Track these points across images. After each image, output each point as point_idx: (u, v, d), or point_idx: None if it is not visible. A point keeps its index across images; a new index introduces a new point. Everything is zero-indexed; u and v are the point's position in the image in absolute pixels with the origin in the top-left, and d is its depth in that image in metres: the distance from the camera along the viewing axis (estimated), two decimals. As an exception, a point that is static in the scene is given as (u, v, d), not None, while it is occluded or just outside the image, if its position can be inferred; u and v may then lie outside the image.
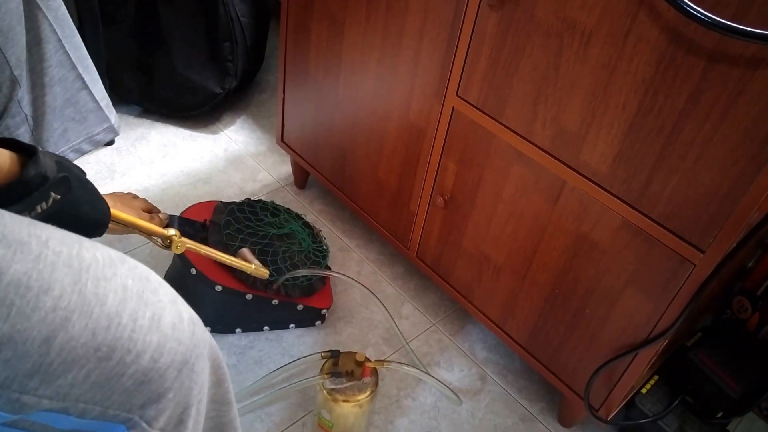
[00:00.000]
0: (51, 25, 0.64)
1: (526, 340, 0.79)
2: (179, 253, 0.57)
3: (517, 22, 0.61)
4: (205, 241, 0.82)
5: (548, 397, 0.86)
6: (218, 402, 0.46)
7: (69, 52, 0.67)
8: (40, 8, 0.63)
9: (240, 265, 0.69)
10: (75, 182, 0.41)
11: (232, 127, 1.26)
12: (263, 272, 0.71)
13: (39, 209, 0.38)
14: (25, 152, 0.39)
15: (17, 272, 0.31)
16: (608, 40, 0.55)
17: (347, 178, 0.97)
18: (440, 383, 0.78)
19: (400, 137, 0.83)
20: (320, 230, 0.96)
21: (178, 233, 0.57)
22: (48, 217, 0.39)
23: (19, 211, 0.37)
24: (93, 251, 0.36)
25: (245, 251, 0.76)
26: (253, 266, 0.68)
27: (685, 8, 0.47)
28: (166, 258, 0.94)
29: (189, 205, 0.89)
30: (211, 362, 0.43)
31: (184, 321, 0.39)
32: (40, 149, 0.39)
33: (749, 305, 0.80)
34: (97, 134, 0.70)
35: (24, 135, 0.67)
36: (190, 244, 0.57)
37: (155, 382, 0.36)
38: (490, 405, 0.84)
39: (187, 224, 0.83)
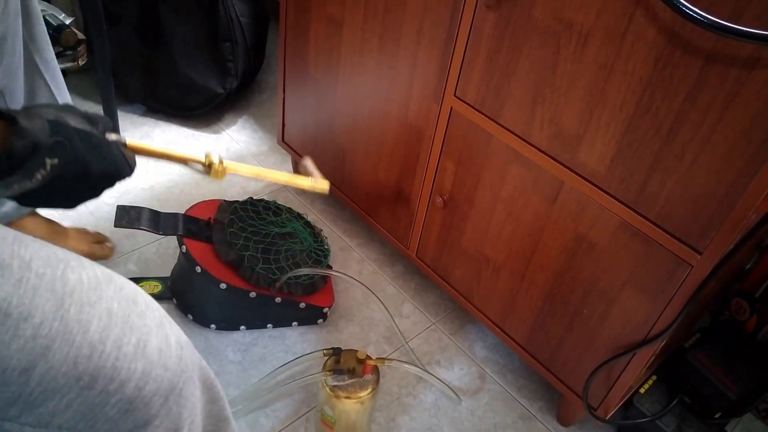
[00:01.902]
0: (45, 79, 0.71)
1: (525, 339, 0.80)
2: (220, 179, 0.50)
3: (514, 22, 0.61)
4: (209, 240, 0.83)
5: (547, 396, 0.86)
6: (215, 418, 0.45)
7: (58, 99, 0.75)
8: (38, 69, 0.69)
9: (288, 181, 0.57)
10: (75, 138, 0.37)
11: (234, 127, 1.27)
12: (322, 187, 0.61)
13: (39, 176, 0.35)
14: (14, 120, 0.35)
15: None
16: (605, 41, 0.55)
17: (347, 178, 0.97)
18: (440, 381, 0.79)
19: (399, 138, 0.83)
20: (321, 230, 0.97)
21: (216, 158, 0.49)
22: (53, 181, 0.36)
23: (18, 181, 0.35)
24: (79, 272, 0.34)
25: (308, 162, 0.64)
26: (309, 181, 0.58)
27: (681, 8, 0.47)
28: (172, 257, 0.95)
29: (193, 204, 0.90)
30: (202, 383, 0.42)
31: (171, 345, 0.37)
32: (25, 115, 0.35)
33: (747, 307, 0.79)
34: None
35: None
36: (231, 166, 0.50)
37: (140, 410, 0.35)
38: (489, 403, 0.84)
39: (191, 222, 0.85)
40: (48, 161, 0.35)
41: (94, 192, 0.40)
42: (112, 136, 0.41)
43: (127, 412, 0.35)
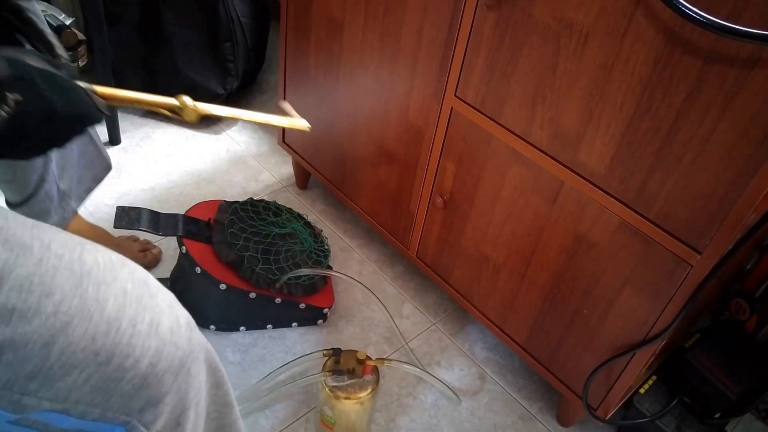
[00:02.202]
0: None
1: (525, 339, 0.80)
2: (193, 120, 0.47)
3: (514, 22, 0.61)
4: (209, 241, 0.83)
5: (547, 396, 0.86)
6: (219, 404, 0.46)
7: None
8: None
9: (270, 122, 0.56)
10: (35, 76, 0.36)
11: (234, 128, 1.27)
12: (302, 125, 0.61)
13: (2, 113, 0.35)
14: None
15: (19, 276, 0.31)
16: (605, 40, 0.55)
17: (348, 179, 0.97)
18: (440, 382, 0.79)
19: (400, 138, 0.83)
20: (321, 230, 0.97)
21: (188, 101, 0.47)
22: (18, 119, 0.35)
23: None
24: (95, 254, 0.36)
25: (286, 105, 0.64)
26: (286, 120, 0.58)
27: (681, 8, 0.47)
28: (172, 258, 0.95)
29: (193, 204, 0.90)
30: (207, 365, 0.43)
31: (182, 326, 0.39)
32: None
33: (747, 307, 0.79)
34: (100, 173, 0.86)
35: (53, 190, 0.76)
36: (203, 107, 0.48)
37: (153, 387, 0.36)
38: (489, 404, 0.84)
39: (191, 223, 0.85)
40: (9, 96, 0.35)
41: (64, 136, 0.39)
42: (78, 82, 0.40)
43: (141, 388, 0.36)
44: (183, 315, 0.40)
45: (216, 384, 0.45)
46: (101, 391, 0.34)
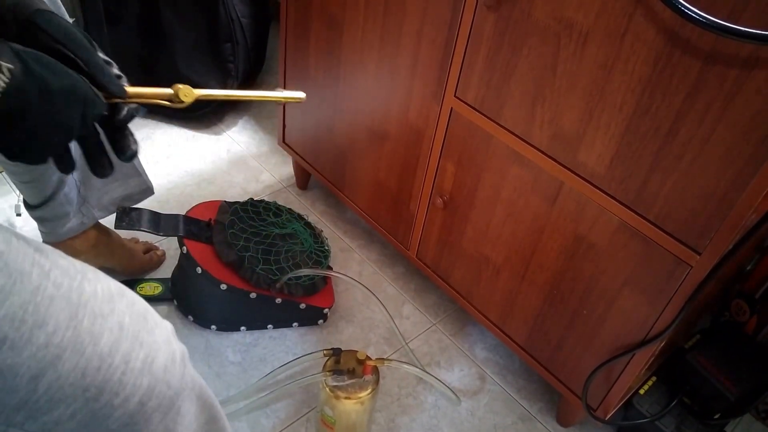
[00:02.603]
0: None
1: (524, 340, 0.80)
2: (189, 102, 0.47)
3: (514, 22, 0.61)
4: (209, 241, 0.83)
5: (547, 396, 0.86)
6: None
7: None
8: None
9: (267, 97, 0.56)
10: (22, 54, 0.33)
11: (235, 128, 1.27)
12: (298, 96, 0.59)
13: (1, 83, 0.31)
14: None
15: (14, 305, 0.30)
16: (605, 41, 0.55)
17: (348, 179, 0.97)
18: (440, 382, 0.79)
19: (400, 138, 0.83)
20: (322, 231, 0.97)
21: (180, 86, 0.46)
22: (17, 93, 0.32)
23: None
24: (95, 284, 0.35)
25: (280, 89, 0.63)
26: (283, 93, 0.61)
27: (681, 8, 0.47)
28: (173, 258, 0.95)
29: (194, 205, 0.90)
30: (200, 402, 0.42)
31: (176, 361, 0.38)
32: None
33: (747, 308, 0.79)
34: (136, 195, 0.85)
35: (73, 194, 0.76)
36: (198, 91, 0.48)
37: (140, 425, 0.36)
38: (489, 404, 0.84)
39: (192, 223, 0.85)
40: (3, 64, 0.31)
41: (66, 119, 0.34)
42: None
43: (127, 426, 0.35)
44: (179, 349, 0.39)
45: (211, 419, 0.44)
46: (87, 427, 0.34)
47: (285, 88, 1.02)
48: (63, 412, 0.32)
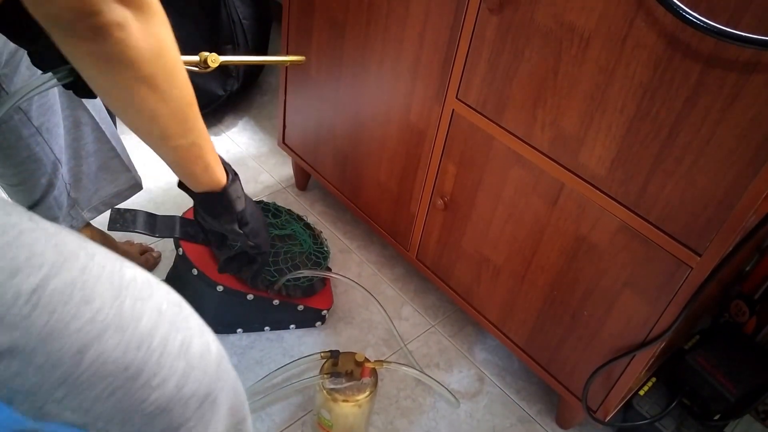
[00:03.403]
0: (88, 111, 0.75)
1: (524, 341, 0.80)
2: (214, 67, 0.57)
3: (516, 25, 0.62)
4: (206, 242, 0.82)
5: (546, 398, 0.86)
6: None
7: (104, 130, 0.77)
8: (80, 100, 0.73)
9: (273, 61, 0.68)
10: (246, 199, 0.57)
11: (234, 129, 1.26)
12: (299, 58, 0.69)
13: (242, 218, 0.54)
14: None
15: (64, 280, 0.32)
16: (606, 44, 0.56)
17: (348, 180, 0.97)
18: (439, 384, 0.79)
19: (401, 139, 0.83)
20: (321, 232, 0.97)
21: (207, 54, 0.56)
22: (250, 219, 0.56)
23: (229, 219, 0.56)
24: (133, 270, 0.37)
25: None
26: (286, 58, 0.68)
27: (681, 13, 0.47)
28: (167, 259, 0.95)
29: (191, 206, 0.89)
30: (236, 399, 0.42)
31: (212, 352, 0.39)
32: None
33: (747, 309, 0.80)
34: (125, 191, 0.85)
35: (62, 197, 0.76)
36: (223, 57, 0.57)
37: (176, 411, 0.36)
38: (488, 406, 0.84)
39: (189, 224, 0.84)
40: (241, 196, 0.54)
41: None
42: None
43: (164, 411, 0.36)
44: (213, 342, 0.40)
45: (240, 421, 0.44)
46: (124, 410, 0.34)
47: (286, 89, 1.01)
48: (103, 389, 0.33)
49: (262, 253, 0.65)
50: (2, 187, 0.74)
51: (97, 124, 0.76)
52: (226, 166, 0.56)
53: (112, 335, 0.33)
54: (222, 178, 0.55)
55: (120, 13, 0.35)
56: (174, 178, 0.59)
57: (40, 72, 0.47)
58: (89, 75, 0.38)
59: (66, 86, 0.47)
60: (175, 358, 0.36)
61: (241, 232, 0.60)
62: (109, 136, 0.79)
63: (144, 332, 0.35)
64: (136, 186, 0.85)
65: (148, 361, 0.34)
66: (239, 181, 0.58)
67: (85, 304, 0.32)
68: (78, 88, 0.47)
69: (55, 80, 0.44)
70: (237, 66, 1.17)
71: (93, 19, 0.34)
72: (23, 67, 0.64)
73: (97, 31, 0.34)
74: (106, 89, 0.39)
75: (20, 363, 0.30)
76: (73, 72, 0.44)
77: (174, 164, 0.52)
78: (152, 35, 0.38)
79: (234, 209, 0.58)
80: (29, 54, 0.47)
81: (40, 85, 0.45)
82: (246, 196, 0.60)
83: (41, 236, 0.32)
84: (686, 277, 0.58)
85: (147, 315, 0.35)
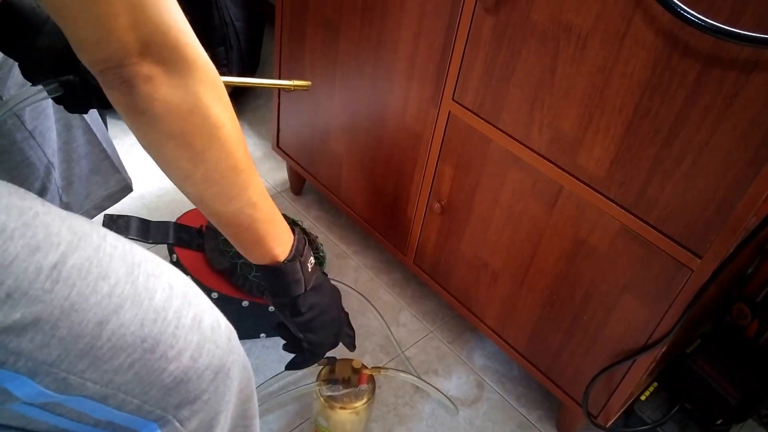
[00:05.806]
0: (82, 117, 0.75)
1: (524, 346, 0.79)
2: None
3: (512, 25, 0.61)
4: (200, 248, 0.81)
5: (547, 404, 0.85)
6: (248, 417, 0.47)
7: (96, 133, 0.78)
8: None
9: (277, 85, 0.64)
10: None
11: (229, 133, 1.25)
12: (304, 83, 0.65)
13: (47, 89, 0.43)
14: None
15: (81, 257, 0.33)
16: (604, 44, 0.55)
17: (343, 184, 0.96)
18: (437, 391, 0.77)
19: (397, 142, 0.82)
20: (317, 237, 0.96)
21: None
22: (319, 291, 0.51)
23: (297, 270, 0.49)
24: (143, 251, 0.39)
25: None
26: (291, 82, 0.65)
27: (679, 11, 0.47)
28: (161, 264, 0.93)
29: (185, 211, 0.88)
30: (245, 374, 0.44)
31: (222, 327, 0.41)
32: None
33: (749, 312, 0.79)
34: (116, 193, 0.84)
35: (55, 202, 0.76)
36: (224, 78, 0.52)
37: (193, 383, 0.37)
38: (488, 413, 0.83)
39: (183, 230, 0.83)
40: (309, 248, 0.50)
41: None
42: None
43: (181, 383, 0.37)
44: (222, 318, 0.42)
45: (247, 398, 0.46)
46: (143, 381, 0.36)
47: (280, 92, 1.01)
48: (123, 361, 0.35)
49: (315, 354, 0.55)
50: None
51: (88, 125, 0.76)
52: (299, 243, 0.48)
53: (129, 308, 0.34)
54: (278, 254, 0.46)
55: (148, 67, 0.35)
56: (167, 184, 0.57)
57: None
58: (127, 124, 0.39)
59: (56, 100, 0.47)
60: (189, 330, 0.37)
61: (292, 321, 0.51)
62: (100, 138, 0.78)
63: (158, 306, 0.36)
64: (127, 188, 0.84)
65: (164, 333, 0.36)
66: (300, 261, 0.48)
67: (102, 280, 0.34)
68: (68, 102, 0.47)
69: (45, 93, 0.45)
70: (230, 69, 1.16)
71: (120, 70, 0.34)
72: (16, 70, 0.64)
73: (125, 83, 0.35)
74: (142, 141, 0.40)
75: (44, 335, 0.31)
76: (63, 86, 0.44)
77: (219, 228, 0.47)
78: (187, 92, 0.37)
79: (288, 292, 0.49)
80: (20, 66, 0.48)
81: (29, 97, 0.45)
82: (315, 281, 0.50)
83: (56, 218, 0.34)
84: (687, 280, 0.57)
85: (160, 290, 0.37)
